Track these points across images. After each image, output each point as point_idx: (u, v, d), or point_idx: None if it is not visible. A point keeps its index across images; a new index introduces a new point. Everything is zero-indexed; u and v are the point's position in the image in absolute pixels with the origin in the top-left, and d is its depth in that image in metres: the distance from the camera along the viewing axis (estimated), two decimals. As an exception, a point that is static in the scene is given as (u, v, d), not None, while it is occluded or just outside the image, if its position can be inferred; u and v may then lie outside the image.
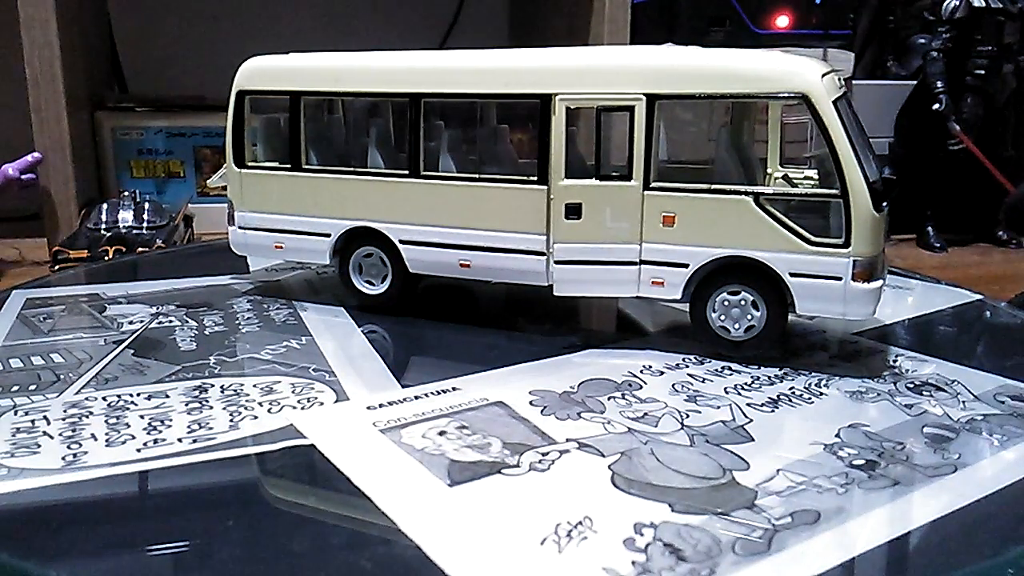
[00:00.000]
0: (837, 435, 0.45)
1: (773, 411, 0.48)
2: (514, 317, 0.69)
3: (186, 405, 0.48)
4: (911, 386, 0.52)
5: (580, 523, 0.36)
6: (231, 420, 0.46)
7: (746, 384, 0.52)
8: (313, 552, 0.35)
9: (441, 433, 0.45)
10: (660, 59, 0.55)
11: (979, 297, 0.73)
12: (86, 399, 0.49)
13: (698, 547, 0.34)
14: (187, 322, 0.63)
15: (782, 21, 1.09)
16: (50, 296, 0.70)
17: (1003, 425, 0.47)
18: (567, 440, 0.44)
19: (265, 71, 0.67)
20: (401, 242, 0.63)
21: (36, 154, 0.96)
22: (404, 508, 0.37)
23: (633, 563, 0.33)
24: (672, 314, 0.64)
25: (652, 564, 0.33)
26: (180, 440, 0.44)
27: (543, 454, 0.43)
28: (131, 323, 0.63)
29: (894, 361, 0.57)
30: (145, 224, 0.92)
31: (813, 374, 0.54)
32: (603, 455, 0.43)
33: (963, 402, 0.50)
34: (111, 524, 0.38)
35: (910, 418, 0.48)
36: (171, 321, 0.63)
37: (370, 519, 0.37)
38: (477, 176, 0.60)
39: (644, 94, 0.55)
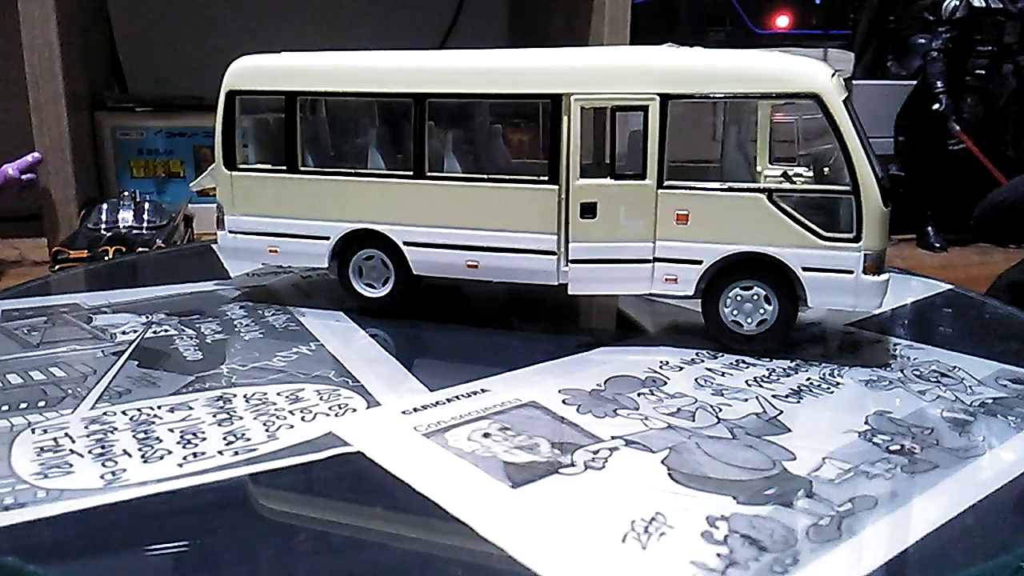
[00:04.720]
0: (866, 422, 0.47)
1: (799, 402, 0.50)
2: (512, 317, 0.69)
3: (214, 416, 0.46)
4: (918, 373, 0.55)
5: (654, 519, 0.37)
6: (267, 430, 0.45)
7: (764, 376, 0.54)
8: (399, 559, 0.34)
9: (486, 435, 0.45)
10: (672, 59, 0.56)
11: (950, 287, 0.76)
12: (104, 414, 0.47)
13: (775, 537, 0.35)
14: (184, 331, 0.61)
15: (782, 21, 1.10)
16: (28, 307, 0.66)
17: (1013, 408, 0.49)
18: (612, 438, 0.45)
19: (257, 71, 0.65)
20: (405, 244, 0.62)
21: (36, 154, 0.95)
22: (476, 511, 0.37)
23: (718, 555, 0.34)
24: (671, 311, 0.66)
25: (736, 556, 0.34)
26: (220, 453, 0.42)
27: (594, 452, 0.43)
28: (124, 333, 0.60)
29: (895, 350, 0.59)
30: (145, 224, 0.91)
31: (824, 365, 0.56)
32: (652, 451, 0.43)
33: (969, 387, 0.53)
34: (162, 540, 0.36)
35: (926, 404, 0.50)
36: (166, 330, 0.61)
37: (444, 525, 0.36)
38: (486, 176, 0.60)
39: (657, 94, 0.55)
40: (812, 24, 1.11)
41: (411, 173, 0.62)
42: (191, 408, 0.47)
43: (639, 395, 0.50)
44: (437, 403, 0.49)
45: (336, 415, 0.47)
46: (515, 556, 0.34)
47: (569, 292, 0.59)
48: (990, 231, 0.96)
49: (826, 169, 0.56)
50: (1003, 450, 0.44)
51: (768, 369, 0.55)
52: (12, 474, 0.40)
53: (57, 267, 0.85)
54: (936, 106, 1.07)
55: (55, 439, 0.43)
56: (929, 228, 1.14)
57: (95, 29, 1.16)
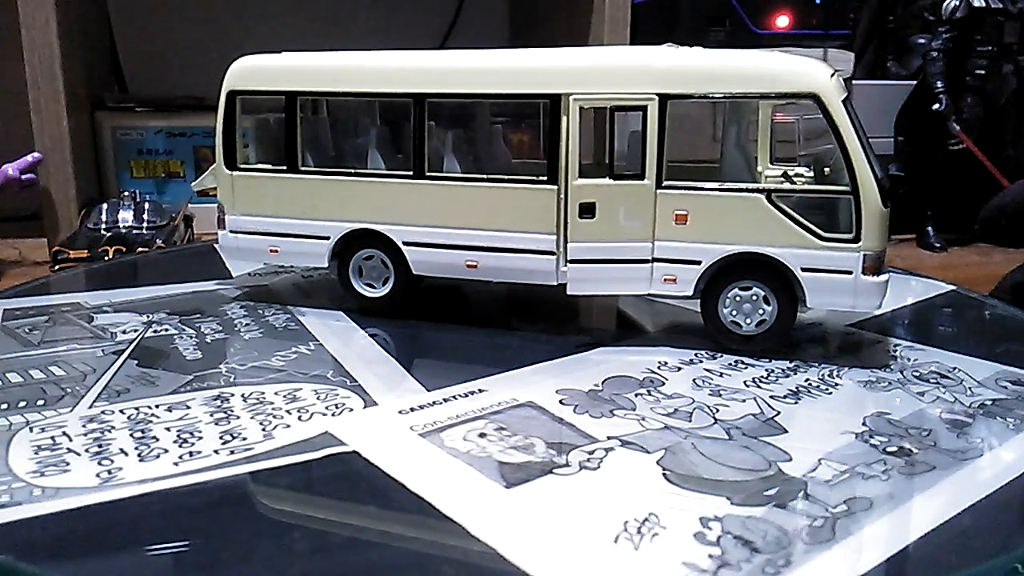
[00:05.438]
0: (864, 424, 0.47)
1: (796, 403, 0.50)
2: (511, 317, 0.69)
3: (211, 415, 0.47)
4: (917, 375, 0.54)
5: (647, 519, 0.36)
6: (263, 429, 0.45)
7: (762, 377, 0.54)
8: (392, 559, 0.34)
9: (482, 435, 0.45)
10: (671, 59, 0.56)
11: (950, 287, 0.76)
12: (102, 413, 0.47)
13: (767, 538, 0.35)
14: (184, 330, 0.61)
15: (782, 21, 1.10)
16: (29, 307, 0.66)
17: (1012, 409, 0.49)
18: (608, 438, 0.44)
19: (257, 71, 0.65)
20: (405, 244, 0.62)
21: (36, 154, 0.95)
22: (469, 512, 0.37)
23: (710, 556, 0.34)
24: (670, 311, 0.65)
25: (728, 557, 0.34)
26: (216, 452, 0.42)
27: (589, 453, 0.43)
28: (124, 332, 0.60)
29: (894, 351, 0.59)
30: (145, 224, 0.91)
31: (823, 366, 0.55)
32: (648, 451, 0.43)
33: (968, 388, 0.52)
34: (157, 539, 0.36)
35: (925, 405, 0.50)
36: (167, 330, 0.61)
37: (437, 524, 0.36)
38: (485, 176, 0.60)
39: (656, 94, 0.55)
40: (812, 24, 1.10)
41: (411, 173, 0.62)
42: (188, 407, 0.48)
43: (636, 395, 0.50)
44: (434, 403, 0.49)
45: (333, 415, 0.47)
46: (507, 556, 0.34)
47: (568, 292, 0.59)
48: (995, 234, 0.95)
49: (826, 169, 0.56)
50: (1001, 451, 0.44)
51: (767, 370, 0.55)
52: (9, 472, 0.40)
53: (57, 267, 0.86)
54: (936, 106, 1.06)
55: (52, 438, 0.44)
56: (929, 228, 1.13)
57: (95, 29, 1.16)
